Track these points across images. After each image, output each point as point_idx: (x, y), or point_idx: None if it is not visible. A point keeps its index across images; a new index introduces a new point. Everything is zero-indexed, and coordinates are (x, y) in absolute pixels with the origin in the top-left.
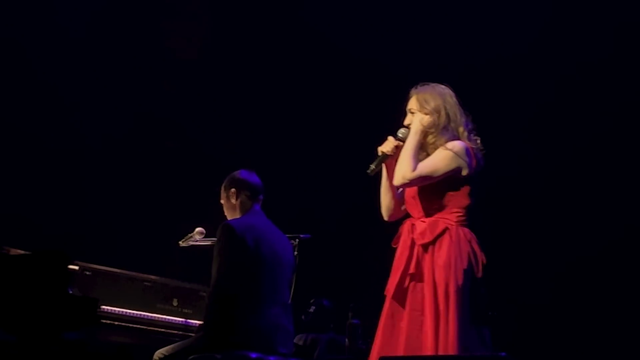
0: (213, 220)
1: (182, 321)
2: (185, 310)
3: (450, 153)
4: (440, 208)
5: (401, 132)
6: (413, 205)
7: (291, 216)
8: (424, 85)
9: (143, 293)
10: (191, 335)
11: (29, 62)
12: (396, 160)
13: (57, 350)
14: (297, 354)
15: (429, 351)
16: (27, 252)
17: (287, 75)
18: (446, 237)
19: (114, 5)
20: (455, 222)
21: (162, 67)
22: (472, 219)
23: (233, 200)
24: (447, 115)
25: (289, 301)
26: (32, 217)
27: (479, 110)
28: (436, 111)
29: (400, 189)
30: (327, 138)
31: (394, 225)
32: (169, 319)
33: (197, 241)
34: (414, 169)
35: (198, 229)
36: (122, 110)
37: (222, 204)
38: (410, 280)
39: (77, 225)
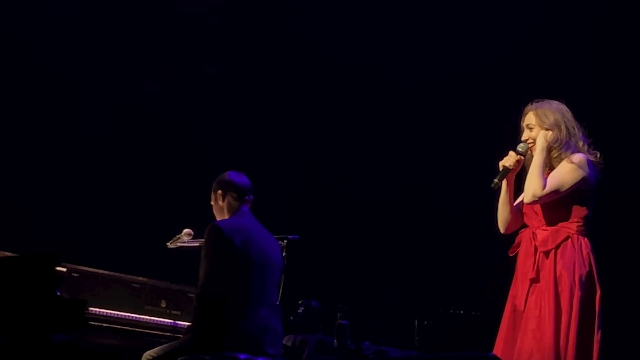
0: (202, 221)
1: (170, 323)
2: (174, 312)
3: (575, 166)
4: (562, 218)
5: (520, 146)
6: (532, 215)
7: (279, 217)
8: (539, 101)
9: (131, 295)
10: (180, 337)
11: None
12: (515, 174)
13: (45, 353)
14: (285, 355)
15: (547, 352)
16: (14, 255)
17: (279, 76)
18: (568, 244)
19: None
20: (576, 231)
21: (154, 67)
22: (590, 229)
23: (220, 202)
24: (567, 129)
25: (278, 302)
26: (19, 220)
27: None
28: (556, 126)
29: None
30: (316, 139)
31: (381, 226)
32: (157, 320)
33: (185, 242)
34: (544, 186)
35: (186, 230)
36: (108, 110)
37: (211, 205)
38: (531, 285)
39: (65, 227)
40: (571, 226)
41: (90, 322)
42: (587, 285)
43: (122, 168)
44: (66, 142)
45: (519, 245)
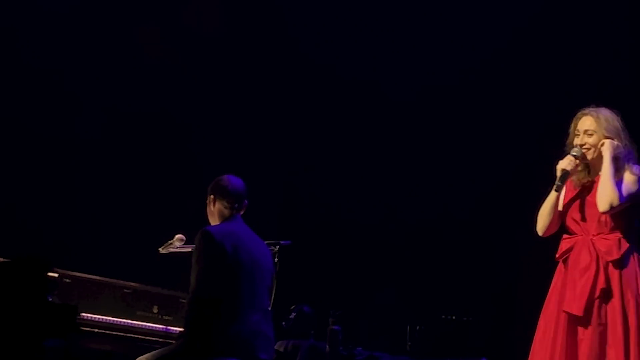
0: (195, 227)
1: (162, 328)
2: (166, 317)
3: (637, 178)
4: (619, 228)
5: (575, 150)
6: (586, 223)
7: (272, 222)
8: (596, 107)
9: (123, 300)
10: (172, 342)
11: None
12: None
13: (37, 358)
14: None
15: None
16: (6, 260)
17: (272, 82)
18: (629, 256)
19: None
20: (633, 243)
21: (148, 71)
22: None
23: (212, 207)
24: (627, 139)
25: (269, 307)
26: (11, 225)
27: None
28: (617, 135)
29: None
30: (307, 145)
31: (373, 232)
32: (149, 325)
33: (177, 248)
34: (621, 197)
35: (178, 236)
36: (100, 113)
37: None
38: (599, 295)
39: (56, 233)
40: (629, 238)
41: (81, 328)
42: None
43: (115, 173)
44: (58, 146)
45: (569, 250)
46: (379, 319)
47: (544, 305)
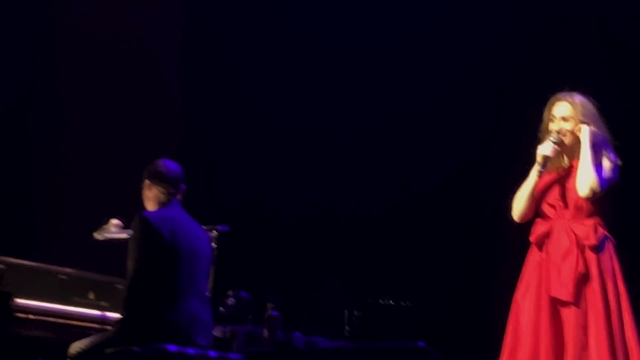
0: (131, 211)
1: (99, 314)
2: (102, 303)
3: (613, 165)
4: (595, 214)
5: (554, 136)
6: (563, 208)
7: (209, 208)
8: (571, 93)
9: (58, 286)
10: (108, 329)
11: None
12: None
13: None
14: (215, 346)
15: (602, 347)
16: None
17: (210, 60)
18: (605, 242)
19: None
20: (607, 229)
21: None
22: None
23: (148, 192)
24: (602, 124)
25: (207, 293)
26: None
27: None
28: (594, 121)
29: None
30: (244, 130)
31: (311, 217)
32: (85, 312)
33: (113, 233)
34: (601, 183)
35: (113, 221)
36: (26, 85)
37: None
38: (580, 280)
39: None
40: (604, 224)
41: (15, 314)
42: (623, 283)
43: (47, 155)
44: None
45: (544, 235)
46: (317, 304)
47: (518, 290)
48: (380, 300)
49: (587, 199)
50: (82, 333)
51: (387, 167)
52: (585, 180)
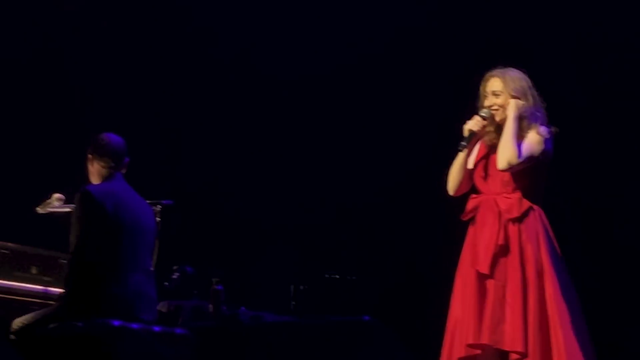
0: (74, 186)
1: (42, 289)
2: (45, 278)
3: (542, 138)
4: (524, 188)
5: (484, 111)
6: (492, 182)
7: (153, 182)
8: (503, 68)
9: (1, 261)
10: (51, 304)
11: None
12: (476, 140)
13: None
14: (160, 321)
15: (516, 321)
16: None
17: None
18: (531, 215)
19: None
20: (536, 202)
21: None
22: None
23: (91, 167)
24: (534, 99)
25: (152, 268)
26: None
27: None
28: (524, 94)
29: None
30: (190, 103)
31: (255, 192)
32: (27, 287)
33: (56, 207)
34: (519, 155)
35: (56, 195)
36: None
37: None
38: (498, 252)
39: None
40: (532, 197)
41: None
42: (552, 254)
43: None
44: None
45: (474, 210)
46: (262, 278)
47: (459, 264)
48: (326, 274)
49: (506, 171)
50: (24, 308)
51: (334, 139)
52: (503, 153)
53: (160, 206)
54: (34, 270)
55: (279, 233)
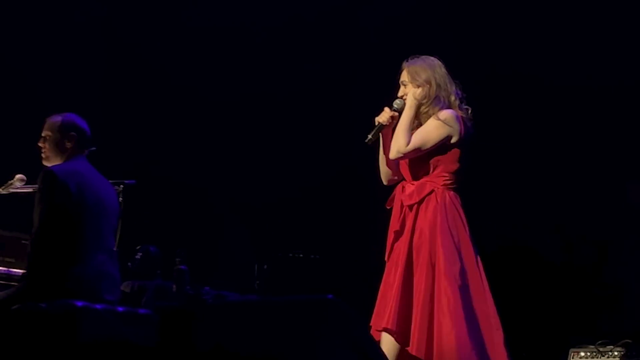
0: (35, 166)
1: (4, 270)
2: (7, 259)
3: (440, 122)
4: (429, 172)
5: (396, 103)
6: (405, 169)
7: (116, 161)
8: (414, 58)
9: None
10: (14, 285)
11: None
12: (392, 130)
13: None
14: (124, 301)
15: (393, 302)
16: None
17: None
18: (432, 198)
19: None
20: (442, 185)
21: None
22: (459, 183)
23: (59, 145)
24: (438, 85)
25: (115, 248)
26: None
27: None
28: (427, 82)
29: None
30: (153, 81)
31: (218, 170)
32: None
33: (17, 188)
34: (408, 143)
35: (18, 176)
36: None
37: (42, 149)
38: (394, 239)
39: None
40: (437, 180)
41: None
42: (448, 240)
43: None
44: None
45: (394, 198)
46: (226, 258)
47: None
48: (290, 254)
49: (398, 159)
50: None
51: (297, 116)
52: (393, 143)
53: (122, 186)
54: None
55: (242, 212)
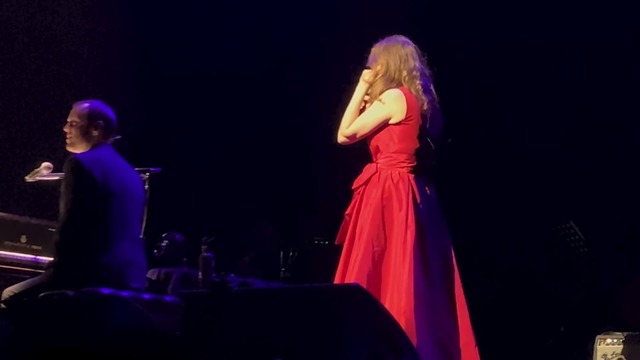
0: (62, 154)
1: (31, 258)
2: (35, 247)
3: (379, 104)
4: (377, 153)
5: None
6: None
7: (142, 149)
8: (379, 41)
9: None
10: (41, 272)
11: None
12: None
13: None
14: (150, 288)
15: (337, 279)
16: None
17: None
18: (374, 179)
19: None
20: (387, 165)
21: None
22: (414, 162)
23: (85, 133)
24: (388, 65)
25: (141, 236)
26: None
27: None
28: (380, 64)
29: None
30: (180, 69)
31: (245, 158)
32: (17, 256)
33: (44, 176)
34: (349, 125)
35: (45, 164)
36: None
37: (68, 134)
38: (346, 222)
39: None
40: (382, 161)
41: None
42: (376, 218)
43: None
44: None
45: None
46: (252, 245)
47: None
48: (316, 241)
49: (343, 144)
50: (14, 277)
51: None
52: (339, 127)
53: (148, 174)
54: (23, 239)
55: (269, 199)
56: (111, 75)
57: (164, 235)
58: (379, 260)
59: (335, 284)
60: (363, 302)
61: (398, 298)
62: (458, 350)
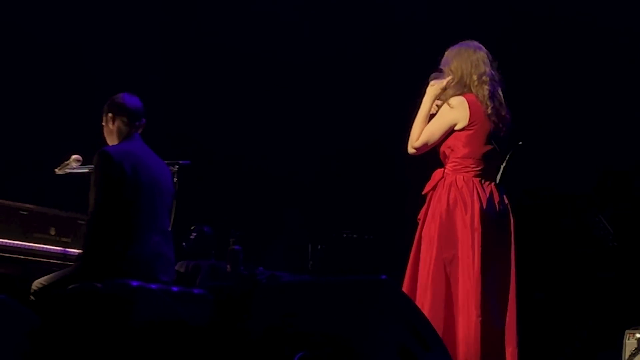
0: (92, 147)
1: (60, 250)
2: (64, 239)
3: (443, 111)
4: (446, 159)
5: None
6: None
7: (171, 142)
8: (452, 45)
9: (20, 222)
10: (70, 265)
11: None
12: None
13: None
14: (178, 281)
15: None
16: None
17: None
18: (440, 184)
19: None
20: (452, 170)
21: None
22: (477, 167)
23: (110, 125)
24: (462, 71)
25: (170, 228)
26: None
27: None
28: (452, 68)
29: None
30: (208, 62)
31: (272, 151)
32: (47, 248)
33: (74, 168)
34: (418, 137)
35: (74, 156)
36: None
37: (103, 127)
38: (420, 227)
39: None
40: (448, 166)
41: None
42: (449, 221)
43: (8, 91)
44: None
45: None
46: (280, 238)
47: None
48: (344, 234)
49: (413, 155)
50: (44, 269)
51: (350, 101)
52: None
53: (177, 166)
54: (52, 232)
55: (297, 193)
56: (144, 70)
57: (192, 227)
58: (448, 265)
59: (362, 276)
60: (391, 296)
61: (467, 305)
62: (503, 348)
